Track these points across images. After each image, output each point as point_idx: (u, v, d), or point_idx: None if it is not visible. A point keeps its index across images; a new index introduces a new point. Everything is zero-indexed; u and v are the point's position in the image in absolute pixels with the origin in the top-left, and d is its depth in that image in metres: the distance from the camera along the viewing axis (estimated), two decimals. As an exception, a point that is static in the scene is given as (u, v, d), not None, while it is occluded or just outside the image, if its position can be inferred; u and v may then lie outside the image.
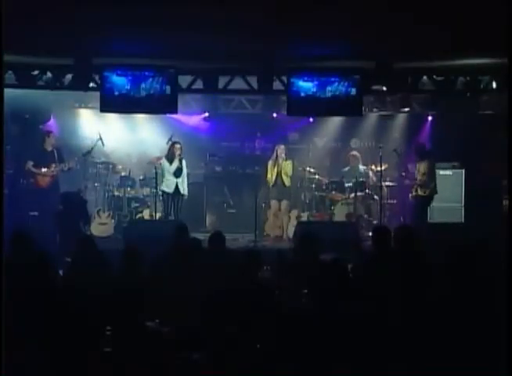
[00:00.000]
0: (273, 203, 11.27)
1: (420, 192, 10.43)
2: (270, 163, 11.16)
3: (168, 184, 10.84)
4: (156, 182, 11.12)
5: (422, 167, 10.46)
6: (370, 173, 11.57)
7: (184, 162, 10.96)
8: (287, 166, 11.11)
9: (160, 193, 11.03)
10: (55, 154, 10.76)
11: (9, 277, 4.64)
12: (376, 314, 4.56)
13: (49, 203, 10.24)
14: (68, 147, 11.72)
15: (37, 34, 8.01)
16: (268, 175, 11.14)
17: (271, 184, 11.16)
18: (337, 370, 4.25)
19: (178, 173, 10.84)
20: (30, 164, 10.66)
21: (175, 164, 10.83)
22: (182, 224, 7.74)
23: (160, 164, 11.23)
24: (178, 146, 10.94)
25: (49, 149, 10.78)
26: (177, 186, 10.81)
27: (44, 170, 10.65)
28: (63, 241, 8.81)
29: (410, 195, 10.63)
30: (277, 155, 11.11)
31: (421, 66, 9.90)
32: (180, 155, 10.88)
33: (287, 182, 11.14)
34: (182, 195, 10.89)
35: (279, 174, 11.08)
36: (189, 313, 4.93)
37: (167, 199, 10.83)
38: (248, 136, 13.08)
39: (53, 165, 10.68)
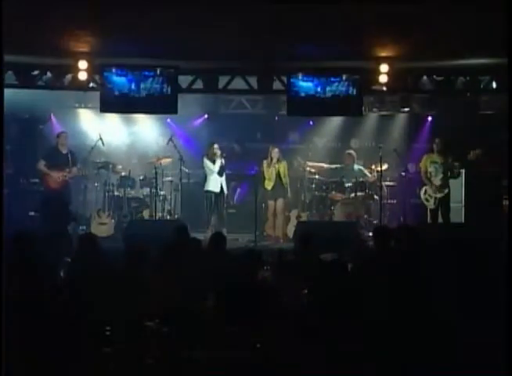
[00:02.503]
0: (270, 203, 11.27)
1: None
2: (265, 165, 11.16)
3: (214, 183, 11.04)
4: (156, 182, 11.15)
5: None
6: (366, 173, 11.56)
7: (223, 160, 11.13)
8: (282, 167, 11.15)
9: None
10: (69, 157, 10.52)
11: (9, 277, 4.63)
12: (376, 314, 4.56)
13: (59, 203, 10.14)
14: (68, 148, 11.70)
15: (37, 34, 8.02)
16: (266, 176, 11.15)
17: (267, 185, 11.16)
18: (336, 369, 4.25)
19: (221, 172, 11.06)
20: (42, 163, 10.44)
21: (218, 163, 11.01)
22: (182, 224, 7.74)
23: (161, 163, 11.39)
24: (216, 146, 11.11)
25: (64, 151, 10.54)
26: (221, 185, 11.07)
27: (57, 171, 10.42)
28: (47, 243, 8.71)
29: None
30: (271, 157, 11.13)
31: (421, 66, 9.91)
32: (221, 155, 11.07)
33: (284, 182, 11.17)
34: (224, 194, 11.18)
35: (275, 175, 11.09)
36: (188, 313, 4.93)
37: (211, 198, 11.04)
38: (248, 136, 13.06)
39: (67, 168, 10.45)
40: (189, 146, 12.42)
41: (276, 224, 11.26)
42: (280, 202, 11.23)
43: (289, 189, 11.30)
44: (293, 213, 11.49)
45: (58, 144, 10.62)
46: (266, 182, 11.16)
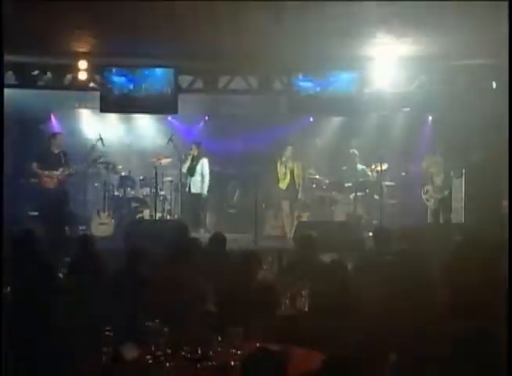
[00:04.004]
0: (284, 203, 11.21)
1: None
2: (279, 164, 11.12)
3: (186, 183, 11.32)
4: (156, 182, 11.16)
5: None
6: (369, 172, 11.56)
7: (203, 161, 11.26)
8: (296, 167, 11.13)
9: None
10: (62, 157, 10.48)
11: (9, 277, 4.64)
12: (376, 314, 4.56)
13: (55, 204, 10.17)
14: (68, 147, 11.71)
15: (37, 34, 8.02)
16: (280, 176, 11.11)
17: (281, 185, 11.12)
18: (336, 369, 4.24)
19: (189, 172, 11.24)
20: (34, 165, 10.39)
21: (187, 163, 11.22)
22: (183, 224, 7.74)
23: (161, 163, 11.44)
24: (193, 146, 11.31)
25: (56, 151, 10.49)
26: (189, 185, 11.28)
27: (50, 172, 10.36)
28: (48, 243, 8.69)
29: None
30: (286, 156, 11.09)
31: (420, 66, 9.91)
32: (195, 155, 11.25)
33: (296, 182, 11.15)
34: (193, 192, 11.24)
35: (290, 175, 11.06)
36: (189, 313, 4.93)
37: (189, 197, 11.34)
38: (248, 136, 13.06)
39: (60, 168, 10.38)
40: (188, 146, 12.42)
41: (285, 224, 11.22)
42: (294, 202, 11.20)
43: (300, 190, 11.29)
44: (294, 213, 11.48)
45: (51, 144, 10.51)
46: (280, 181, 11.12)
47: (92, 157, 11.34)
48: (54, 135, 10.76)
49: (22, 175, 11.09)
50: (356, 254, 7.02)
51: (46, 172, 10.34)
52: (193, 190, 11.25)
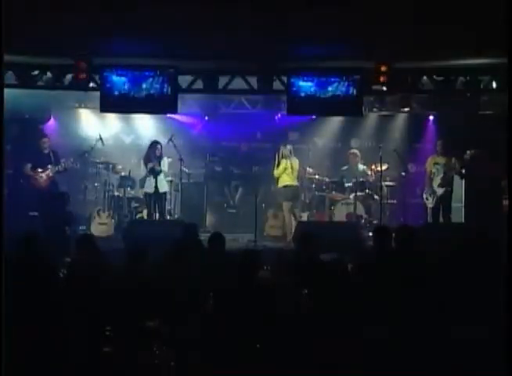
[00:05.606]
0: (284, 203, 11.16)
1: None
2: (278, 163, 11.06)
3: (148, 185, 10.98)
4: (156, 182, 11.14)
5: None
6: (370, 172, 11.55)
7: (163, 161, 11.01)
8: (297, 166, 11.11)
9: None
10: (52, 156, 10.87)
11: (10, 277, 4.63)
12: (376, 314, 4.56)
13: (52, 203, 10.26)
14: (68, 147, 11.73)
15: (37, 34, 8.02)
16: (279, 176, 11.08)
17: (281, 185, 11.09)
18: (336, 369, 4.25)
19: (154, 173, 10.93)
20: (28, 166, 10.81)
21: (149, 164, 10.92)
22: (192, 224, 7.61)
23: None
24: (158, 146, 11.05)
25: (46, 151, 10.92)
26: (156, 186, 10.90)
27: (41, 171, 10.80)
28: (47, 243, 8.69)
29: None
30: (286, 156, 11.06)
31: (421, 67, 9.92)
32: (157, 155, 10.98)
33: (297, 182, 11.13)
34: (162, 194, 10.98)
35: (289, 174, 11.04)
36: (189, 313, 4.93)
37: (149, 199, 10.97)
38: (248, 136, 13.07)
39: (49, 167, 10.82)
40: (189, 146, 12.42)
41: (285, 224, 11.18)
42: (294, 202, 11.16)
43: (300, 190, 11.22)
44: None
45: (39, 146, 10.96)
46: (280, 181, 11.07)
47: (81, 153, 11.35)
48: (41, 137, 11.16)
49: (22, 174, 11.11)
50: (356, 254, 7.02)
51: (38, 172, 10.78)
52: (163, 189, 11.04)
